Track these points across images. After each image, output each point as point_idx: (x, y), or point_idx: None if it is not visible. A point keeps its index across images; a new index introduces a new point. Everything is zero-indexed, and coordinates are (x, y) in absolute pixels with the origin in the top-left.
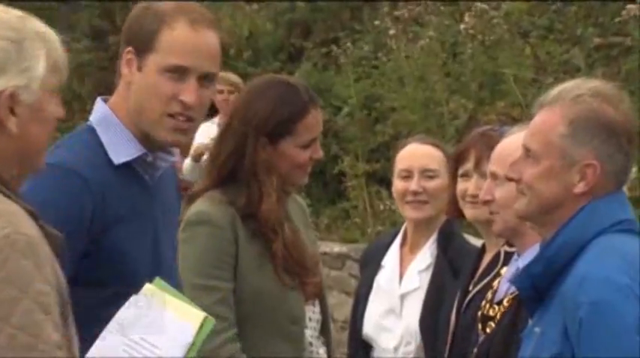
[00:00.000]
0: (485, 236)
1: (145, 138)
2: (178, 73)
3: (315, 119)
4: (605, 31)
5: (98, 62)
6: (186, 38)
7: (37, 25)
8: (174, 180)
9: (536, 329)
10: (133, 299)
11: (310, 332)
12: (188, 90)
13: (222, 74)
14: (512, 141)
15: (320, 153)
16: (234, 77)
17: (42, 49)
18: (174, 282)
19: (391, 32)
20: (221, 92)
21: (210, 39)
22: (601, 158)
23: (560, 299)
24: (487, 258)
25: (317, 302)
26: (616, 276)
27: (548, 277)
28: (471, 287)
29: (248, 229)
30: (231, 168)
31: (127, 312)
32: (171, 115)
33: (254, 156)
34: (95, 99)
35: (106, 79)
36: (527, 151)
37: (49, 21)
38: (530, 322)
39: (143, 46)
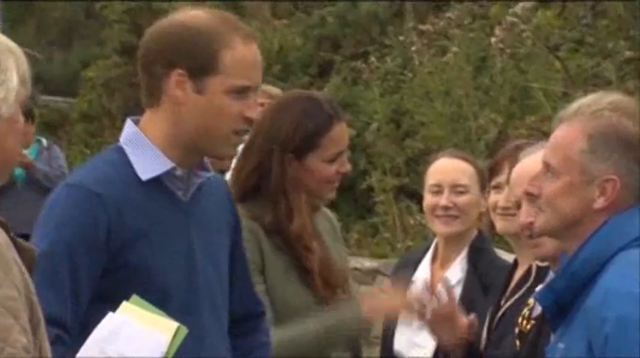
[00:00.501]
0: (516, 249)
1: (182, 154)
2: (243, 92)
3: (341, 132)
4: (637, 43)
5: (127, 78)
6: (245, 57)
7: (2, 37)
8: (223, 196)
9: (560, 345)
10: (108, 316)
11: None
12: (252, 106)
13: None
14: (534, 160)
15: (347, 167)
16: (275, 90)
17: (12, 60)
18: (219, 299)
19: (413, 48)
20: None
21: (258, 52)
22: (620, 173)
23: (583, 315)
24: (519, 273)
25: None
26: None
27: (571, 292)
28: (502, 302)
29: (273, 244)
30: (254, 184)
31: (103, 330)
32: (236, 132)
33: (281, 173)
34: (125, 114)
35: (136, 95)
36: (546, 167)
37: (79, 37)
38: (552, 337)
39: (201, 67)
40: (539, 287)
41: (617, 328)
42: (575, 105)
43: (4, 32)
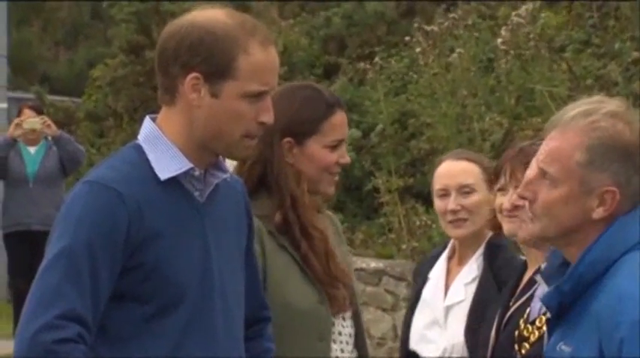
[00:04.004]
0: (525, 252)
1: (198, 154)
2: (259, 96)
3: (341, 119)
4: None
5: (134, 77)
6: (263, 62)
7: None
8: (239, 197)
9: (564, 348)
10: None
11: (338, 347)
12: (267, 110)
13: None
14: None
15: (347, 159)
16: None
17: None
18: (233, 302)
19: (418, 49)
20: None
21: (276, 56)
22: (620, 183)
23: (594, 318)
24: (528, 274)
25: (349, 316)
26: None
27: (575, 295)
28: (511, 303)
29: (275, 243)
30: (257, 177)
31: None
32: (248, 136)
33: (282, 160)
34: (131, 114)
35: (142, 94)
36: (542, 173)
37: (85, 37)
38: (550, 339)
39: (217, 72)
40: (546, 290)
41: (632, 332)
42: (571, 111)
43: (9, 32)
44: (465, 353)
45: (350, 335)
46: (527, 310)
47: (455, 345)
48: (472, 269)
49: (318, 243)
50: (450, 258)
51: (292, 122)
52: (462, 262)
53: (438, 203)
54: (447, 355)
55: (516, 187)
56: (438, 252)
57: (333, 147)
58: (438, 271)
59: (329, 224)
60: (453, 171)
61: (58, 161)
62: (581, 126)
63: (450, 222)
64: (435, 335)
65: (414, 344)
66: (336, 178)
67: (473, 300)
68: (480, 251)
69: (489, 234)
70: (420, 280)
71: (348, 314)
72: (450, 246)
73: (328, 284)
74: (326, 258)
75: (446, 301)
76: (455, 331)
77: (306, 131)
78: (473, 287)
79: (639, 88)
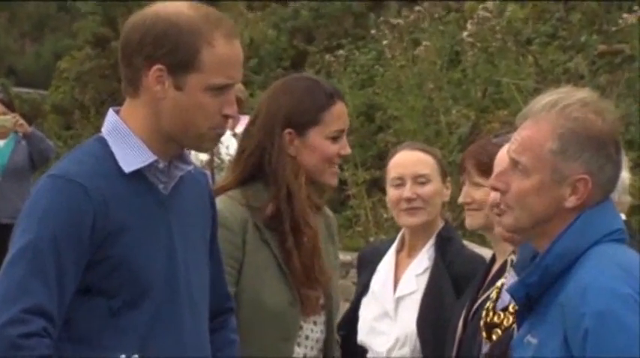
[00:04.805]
0: (493, 244)
1: (162, 146)
2: (223, 89)
3: (341, 110)
4: (610, 38)
5: (100, 70)
6: (227, 55)
7: None
8: (202, 189)
9: (531, 339)
10: None
11: (302, 350)
12: (231, 103)
13: None
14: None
15: (348, 150)
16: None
17: None
18: (198, 294)
19: (385, 42)
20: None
21: (240, 49)
22: (592, 171)
23: (559, 310)
24: (496, 267)
25: (321, 322)
26: (619, 286)
27: (542, 286)
28: (479, 295)
29: (257, 237)
30: (254, 167)
31: None
32: (213, 128)
33: (282, 151)
34: (98, 107)
35: (109, 87)
36: (514, 163)
37: (52, 29)
38: (519, 331)
39: (181, 65)
40: (510, 281)
41: (596, 322)
42: (542, 100)
43: None
44: (417, 343)
45: (317, 341)
46: (491, 300)
47: (407, 335)
48: (423, 260)
49: (307, 240)
50: (398, 252)
51: (293, 112)
52: (411, 254)
53: (392, 192)
54: (398, 345)
55: (474, 183)
56: (386, 246)
57: (334, 138)
58: (386, 264)
59: (323, 223)
60: (409, 160)
61: (27, 155)
62: (553, 115)
63: (404, 210)
64: (385, 326)
65: (363, 337)
66: (337, 169)
67: (425, 291)
68: (431, 242)
69: (440, 226)
70: (367, 270)
71: (321, 319)
72: (398, 239)
73: (304, 284)
74: (312, 256)
75: (397, 292)
76: (406, 322)
77: (307, 121)
78: (424, 278)
79: (605, 81)
